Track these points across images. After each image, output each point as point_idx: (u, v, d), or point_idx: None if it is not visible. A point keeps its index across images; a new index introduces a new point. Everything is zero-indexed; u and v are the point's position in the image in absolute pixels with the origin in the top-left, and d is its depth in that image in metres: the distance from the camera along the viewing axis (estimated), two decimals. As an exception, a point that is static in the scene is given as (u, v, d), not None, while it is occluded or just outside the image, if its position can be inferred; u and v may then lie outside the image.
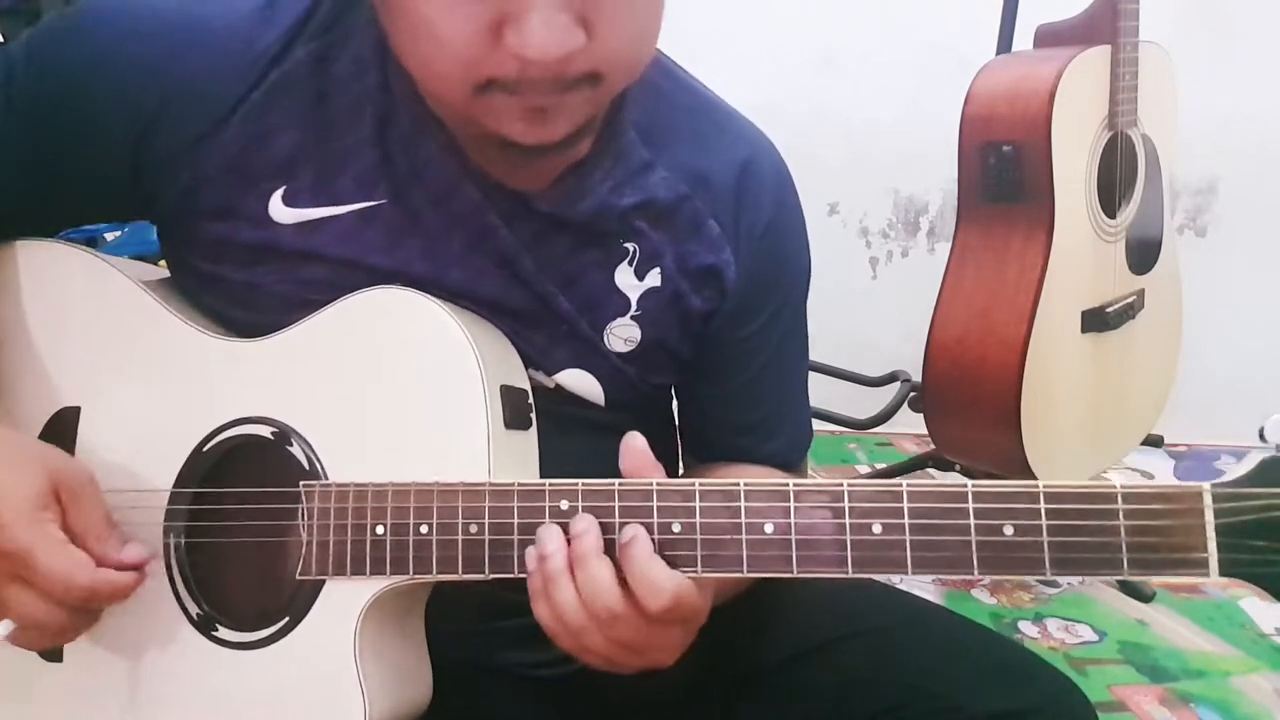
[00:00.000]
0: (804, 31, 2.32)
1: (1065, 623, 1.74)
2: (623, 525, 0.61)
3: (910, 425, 2.13)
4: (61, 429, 0.72)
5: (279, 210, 0.69)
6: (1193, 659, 1.66)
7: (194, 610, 0.69)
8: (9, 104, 0.69)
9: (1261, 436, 0.56)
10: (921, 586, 1.83)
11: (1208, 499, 0.55)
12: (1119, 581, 1.86)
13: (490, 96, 0.59)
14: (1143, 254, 1.80)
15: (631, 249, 0.74)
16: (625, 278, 0.74)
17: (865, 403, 2.16)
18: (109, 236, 1.61)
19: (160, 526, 0.69)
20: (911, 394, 2.06)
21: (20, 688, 0.71)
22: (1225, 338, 2.37)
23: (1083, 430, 1.76)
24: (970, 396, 1.67)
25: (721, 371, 0.81)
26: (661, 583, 0.59)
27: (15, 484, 0.63)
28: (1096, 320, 1.70)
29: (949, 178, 1.77)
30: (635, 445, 0.63)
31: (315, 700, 0.65)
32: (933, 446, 1.88)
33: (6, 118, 0.70)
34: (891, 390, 2.18)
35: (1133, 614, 1.78)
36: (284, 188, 0.69)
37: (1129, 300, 1.76)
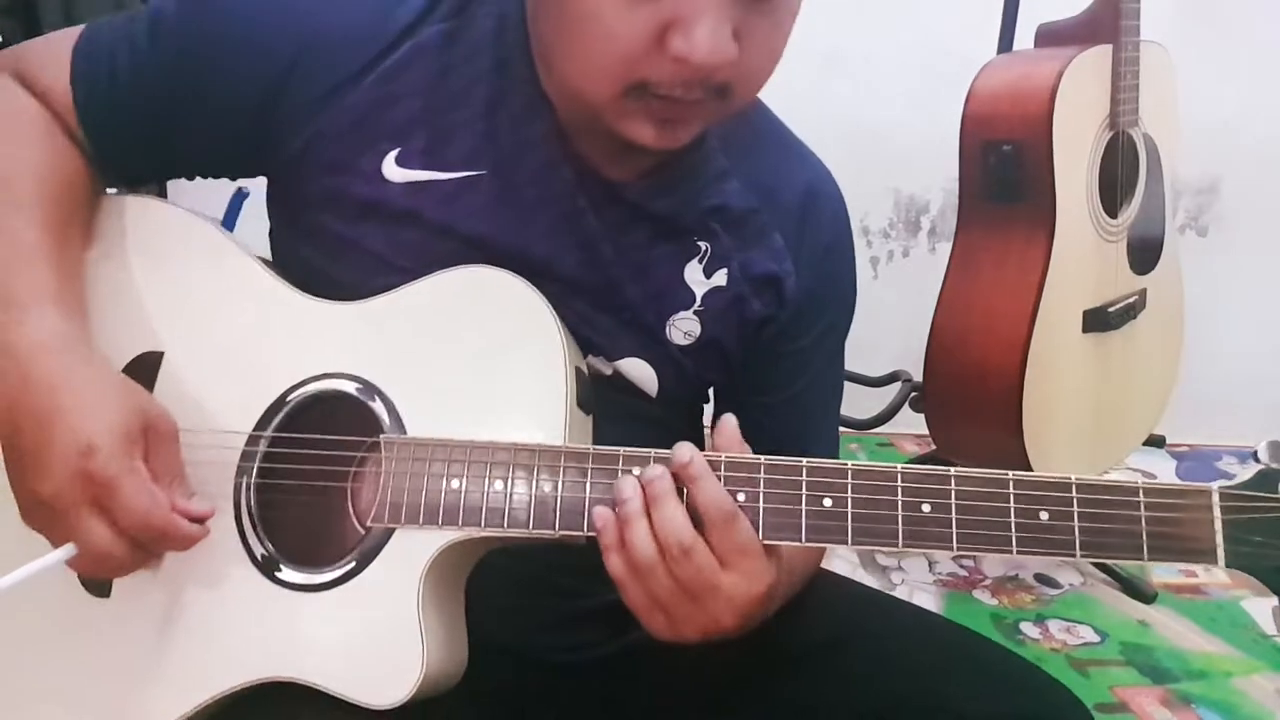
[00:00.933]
0: (805, 32, 2.32)
1: (1067, 624, 1.74)
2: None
3: (911, 425, 2.12)
4: (141, 371, 0.73)
5: (391, 169, 0.74)
6: (1194, 660, 1.66)
7: (259, 551, 0.70)
8: (153, 47, 0.74)
9: (1255, 458, 0.63)
10: (924, 588, 1.83)
11: (1215, 498, 0.63)
12: (1121, 582, 1.85)
13: (631, 101, 0.65)
14: (1144, 254, 1.79)
15: (704, 247, 0.78)
16: (693, 274, 0.78)
17: (866, 403, 2.16)
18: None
19: (232, 468, 0.71)
20: (912, 394, 2.06)
21: (64, 621, 0.71)
22: (1227, 338, 2.37)
23: (1084, 431, 1.76)
24: (971, 397, 1.67)
25: (769, 380, 0.84)
26: (724, 499, 0.64)
27: (112, 414, 0.65)
28: (1098, 320, 1.69)
29: (950, 177, 1.77)
30: (729, 427, 0.67)
31: (373, 647, 0.66)
32: (933, 446, 1.87)
33: (148, 59, 0.74)
34: (892, 390, 2.18)
35: (1134, 615, 1.78)
36: (398, 150, 0.74)
37: (1130, 300, 1.76)
